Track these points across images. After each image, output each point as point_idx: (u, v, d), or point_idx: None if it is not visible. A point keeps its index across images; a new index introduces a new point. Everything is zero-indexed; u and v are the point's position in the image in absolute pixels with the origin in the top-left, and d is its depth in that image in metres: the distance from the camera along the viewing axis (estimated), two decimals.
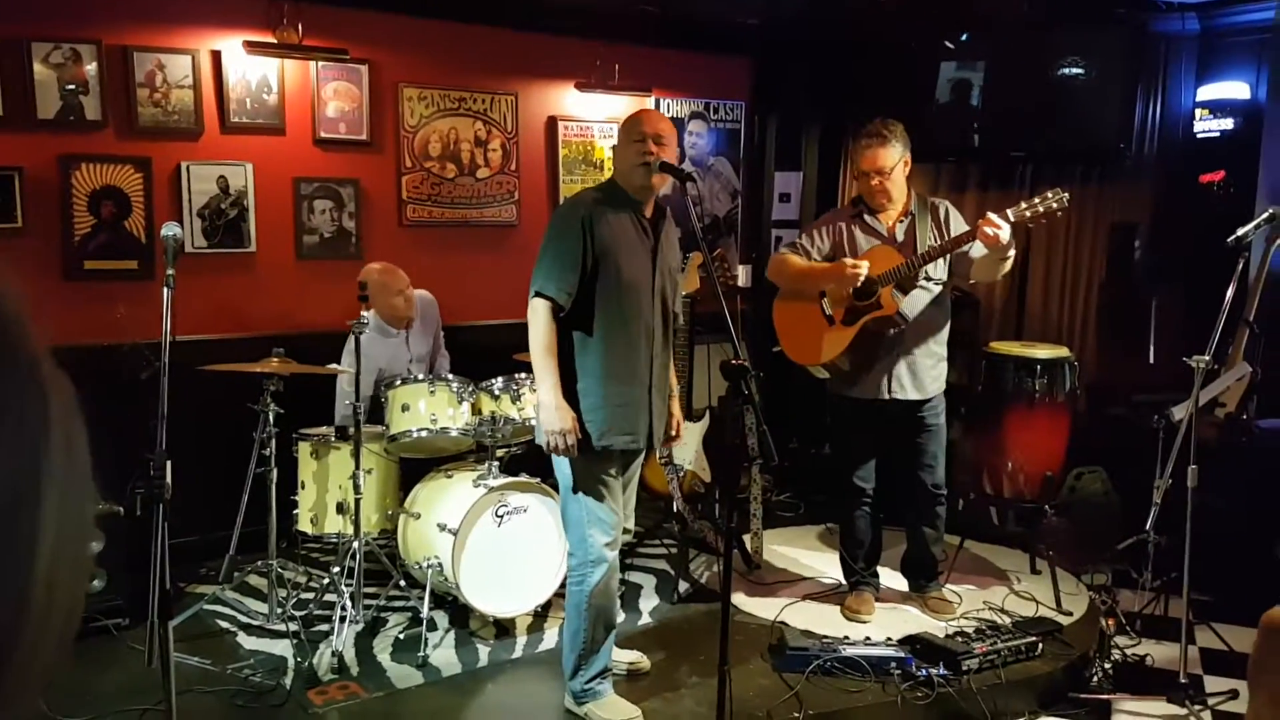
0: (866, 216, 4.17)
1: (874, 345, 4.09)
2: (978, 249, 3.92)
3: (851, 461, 4.32)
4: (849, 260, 3.98)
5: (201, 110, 4.80)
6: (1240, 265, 3.86)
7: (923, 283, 4.08)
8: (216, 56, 4.81)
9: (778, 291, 4.34)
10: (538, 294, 3.26)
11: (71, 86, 4.50)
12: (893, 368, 4.12)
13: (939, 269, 4.09)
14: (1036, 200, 3.82)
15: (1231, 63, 5.40)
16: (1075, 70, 5.48)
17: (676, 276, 3.55)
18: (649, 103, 6.15)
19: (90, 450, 0.55)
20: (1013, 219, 3.76)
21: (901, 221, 4.14)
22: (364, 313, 3.98)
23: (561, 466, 3.38)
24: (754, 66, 6.71)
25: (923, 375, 4.15)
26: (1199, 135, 5.48)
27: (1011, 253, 3.88)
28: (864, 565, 4.41)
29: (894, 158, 4.05)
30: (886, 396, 4.13)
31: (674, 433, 3.72)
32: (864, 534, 4.37)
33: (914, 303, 4.08)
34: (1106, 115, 5.48)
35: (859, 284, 3.98)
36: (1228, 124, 5.36)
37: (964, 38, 5.78)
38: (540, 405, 3.28)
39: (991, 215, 3.73)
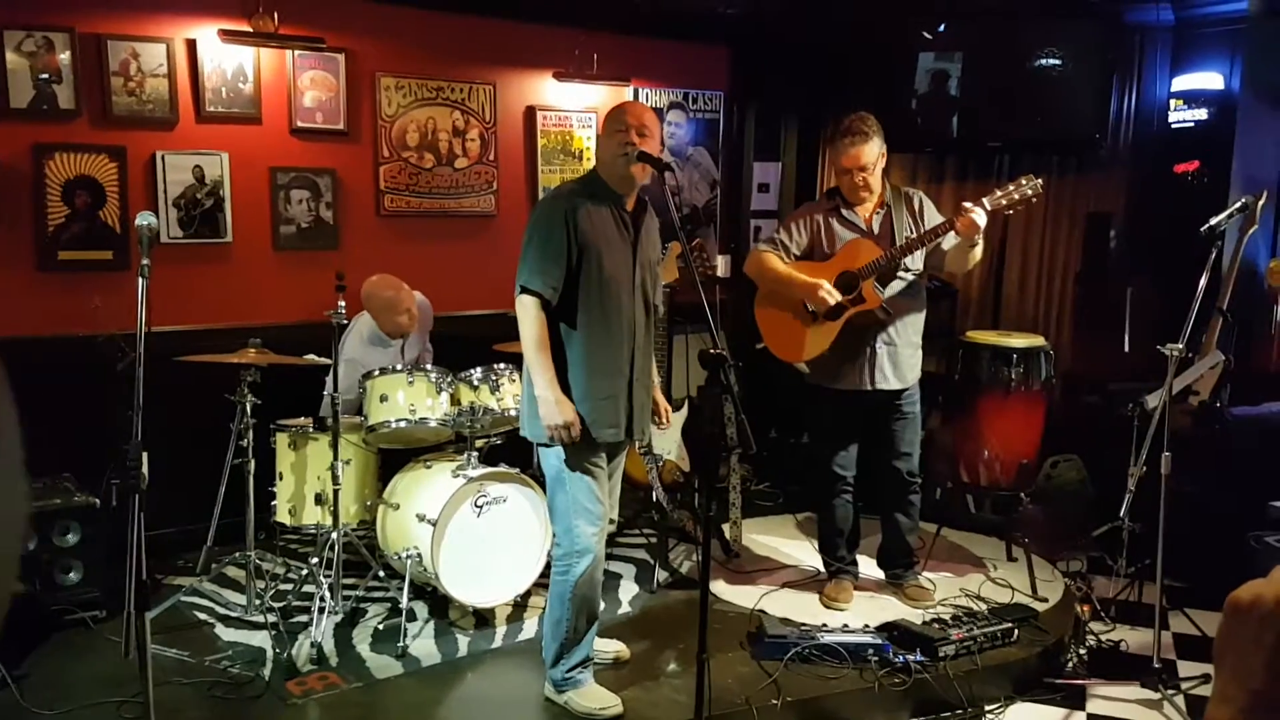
0: (843, 209, 4.19)
1: (857, 337, 4.12)
2: (950, 239, 3.97)
3: (831, 449, 4.33)
4: (825, 288, 4.00)
5: (177, 99, 4.76)
6: (1214, 254, 3.91)
7: (900, 273, 4.11)
8: (191, 45, 4.77)
9: (758, 290, 4.35)
10: (524, 290, 3.26)
11: (45, 75, 4.45)
12: (875, 358, 4.14)
13: (915, 259, 4.12)
14: (1011, 187, 3.87)
15: (1206, 53, 5.43)
16: (1051, 61, 5.51)
17: (657, 269, 3.55)
18: (628, 93, 6.14)
19: (25, 440, 0.49)
20: (989, 207, 3.82)
21: (877, 213, 4.16)
22: (340, 304, 3.96)
23: (549, 458, 3.39)
24: (733, 56, 6.70)
25: (903, 365, 4.18)
26: (1174, 125, 5.52)
27: (979, 239, 3.92)
28: (844, 553, 4.43)
29: (875, 153, 4.07)
30: (869, 387, 4.16)
31: (663, 421, 3.76)
32: (844, 521, 4.40)
33: (891, 293, 4.11)
34: (1082, 106, 5.51)
35: (828, 307, 4.01)
36: (1202, 114, 5.40)
37: (941, 28, 5.80)
38: (539, 400, 3.27)
39: (968, 204, 3.79)
